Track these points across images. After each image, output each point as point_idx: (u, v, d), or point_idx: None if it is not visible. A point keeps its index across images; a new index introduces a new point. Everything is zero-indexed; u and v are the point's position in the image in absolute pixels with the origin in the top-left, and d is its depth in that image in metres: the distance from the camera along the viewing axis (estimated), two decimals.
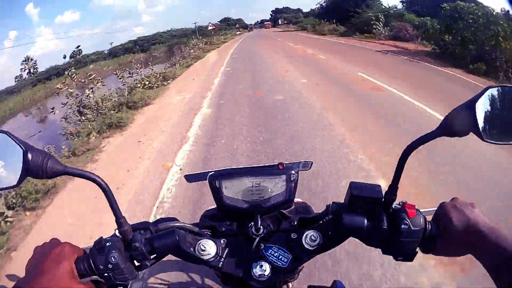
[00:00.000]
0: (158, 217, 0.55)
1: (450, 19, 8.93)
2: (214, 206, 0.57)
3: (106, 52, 33.91)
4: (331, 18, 22.67)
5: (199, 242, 0.49)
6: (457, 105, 0.42)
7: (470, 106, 0.41)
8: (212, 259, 0.50)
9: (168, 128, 4.37)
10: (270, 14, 62.50)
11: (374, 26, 14.71)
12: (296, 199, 0.59)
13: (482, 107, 0.41)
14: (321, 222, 0.51)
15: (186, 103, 5.68)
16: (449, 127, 0.42)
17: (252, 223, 0.52)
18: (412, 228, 0.44)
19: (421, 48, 10.44)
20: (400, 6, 19.04)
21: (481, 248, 0.41)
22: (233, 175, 0.54)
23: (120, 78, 7.42)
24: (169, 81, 8.23)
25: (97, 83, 6.08)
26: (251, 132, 3.74)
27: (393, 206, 0.47)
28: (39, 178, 0.41)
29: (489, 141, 0.41)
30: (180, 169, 3.00)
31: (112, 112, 5.30)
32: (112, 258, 0.42)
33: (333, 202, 0.51)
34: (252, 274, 0.49)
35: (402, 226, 0.44)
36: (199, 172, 0.59)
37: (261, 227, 0.52)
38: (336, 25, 21.06)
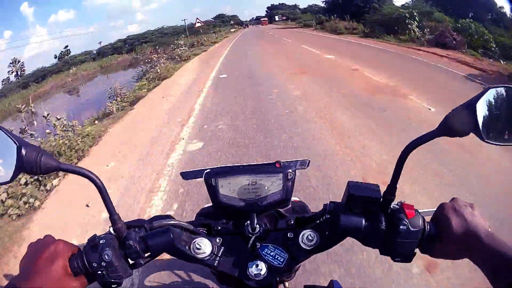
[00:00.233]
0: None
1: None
2: (210, 204, 0.58)
3: (95, 52, 33.57)
4: (339, 13, 19.73)
5: (194, 240, 0.50)
6: None
7: (470, 106, 0.41)
8: (207, 257, 0.51)
9: None
10: (266, 11, 62.74)
11: (409, 27, 11.50)
12: (293, 198, 0.60)
13: (482, 107, 0.41)
14: (318, 221, 0.52)
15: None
16: (449, 127, 0.42)
17: (248, 221, 0.53)
18: (411, 229, 0.45)
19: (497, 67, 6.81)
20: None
21: (478, 252, 0.42)
22: (229, 173, 0.55)
23: None
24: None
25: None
26: None
27: (391, 206, 0.48)
28: (32, 174, 0.42)
29: (489, 141, 0.42)
30: None
31: None
32: (106, 256, 0.43)
33: (331, 202, 0.52)
34: (248, 273, 0.50)
35: (401, 226, 0.45)
36: (195, 169, 0.60)
37: (257, 226, 0.53)
38: (351, 21, 17.72)
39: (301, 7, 53.90)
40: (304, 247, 0.51)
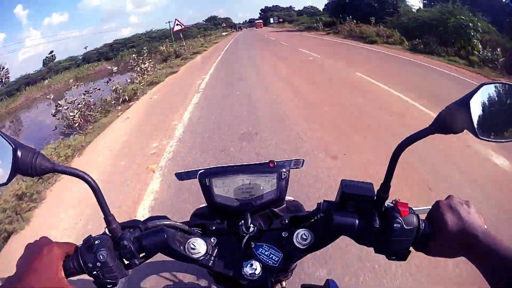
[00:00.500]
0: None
1: None
2: (205, 204, 0.60)
3: (80, 57, 33.31)
4: (349, 14, 16.68)
5: (189, 240, 0.53)
6: None
7: (464, 103, 0.42)
8: (202, 257, 0.53)
9: None
10: (259, 13, 62.96)
11: (474, 42, 8.48)
12: (287, 197, 0.62)
13: (476, 104, 0.43)
14: (312, 220, 0.54)
15: None
16: (443, 124, 0.44)
17: (243, 221, 0.55)
18: (405, 227, 0.46)
19: None
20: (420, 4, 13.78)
21: (474, 250, 0.43)
22: (223, 173, 0.57)
23: None
24: None
25: None
26: None
27: (385, 205, 0.49)
28: (28, 176, 0.43)
29: (483, 138, 0.43)
30: None
31: None
32: (101, 256, 0.45)
33: (324, 200, 0.54)
34: (243, 273, 0.52)
35: (395, 225, 0.46)
36: (189, 170, 0.61)
37: (252, 225, 0.55)
38: (379, 26, 13.36)
39: (296, 9, 54.18)
40: (299, 246, 0.53)
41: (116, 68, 10.98)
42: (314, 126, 3.78)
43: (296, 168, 0.61)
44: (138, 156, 3.52)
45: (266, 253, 0.53)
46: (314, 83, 6.09)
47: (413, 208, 0.49)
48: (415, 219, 0.46)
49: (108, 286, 0.46)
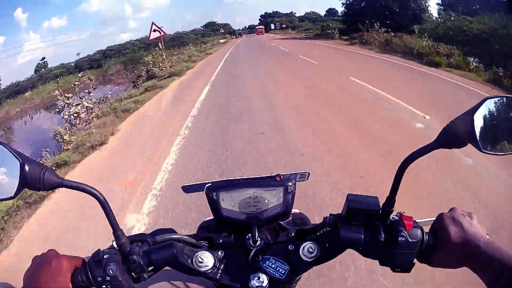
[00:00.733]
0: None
1: None
2: (211, 217, 0.62)
3: (72, 64, 32.96)
4: (364, 21, 14.77)
5: (197, 254, 0.55)
6: None
7: (468, 117, 0.44)
8: (209, 271, 0.55)
9: None
10: (259, 19, 63.11)
11: None
12: (293, 210, 0.64)
13: (480, 118, 0.44)
14: (318, 234, 0.57)
15: None
16: (448, 139, 0.45)
17: (250, 234, 0.58)
18: (409, 240, 0.48)
19: None
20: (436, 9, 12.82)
21: (477, 261, 0.45)
22: (230, 187, 0.60)
23: None
24: None
25: None
26: None
27: (390, 218, 0.51)
28: (36, 189, 0.45)
29: (487, 152, 0.45)
30: None
31: None
32: (110, 271, 0.47)
33: (330, 214, 0.56)
34: (250, 285, 0.54)
35: (400, 238, 0.48)
36: (196, 183, 0.63)
37: (259, 238, 0.57)
38: (425, 38, 10.36)
39: (297, 15, 54.17)
40: (305, 259, 0.55)
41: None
42: None
43: (302, 181, 0.64)
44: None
45: (273, 266, 0.55)
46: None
47: (417, 221, 0.51)
48: (419, 232, 0.49)
49: None
